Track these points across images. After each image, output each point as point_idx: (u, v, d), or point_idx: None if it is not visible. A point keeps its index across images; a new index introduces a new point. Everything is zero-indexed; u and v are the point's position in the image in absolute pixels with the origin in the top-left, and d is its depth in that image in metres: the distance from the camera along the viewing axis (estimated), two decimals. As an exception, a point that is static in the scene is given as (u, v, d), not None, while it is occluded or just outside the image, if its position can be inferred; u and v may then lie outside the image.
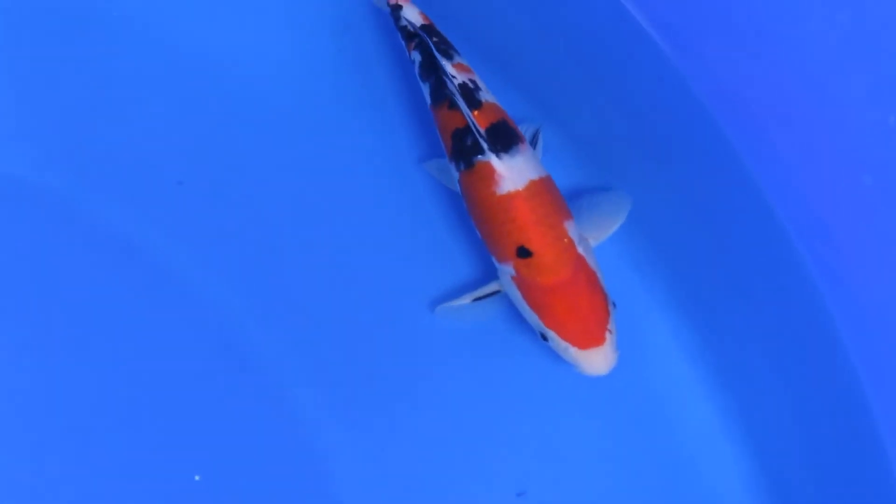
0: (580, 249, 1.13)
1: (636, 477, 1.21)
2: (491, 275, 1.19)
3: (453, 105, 1.13)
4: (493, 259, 1.16)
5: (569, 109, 1.23)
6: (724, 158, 1.15)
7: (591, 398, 1.22)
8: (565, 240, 1.12)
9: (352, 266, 1.24)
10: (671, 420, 1.23)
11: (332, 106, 1.26)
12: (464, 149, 1.13)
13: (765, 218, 1.14)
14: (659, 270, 1.24)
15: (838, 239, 1.10)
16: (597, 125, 1.23)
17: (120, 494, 1.18)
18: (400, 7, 1.17)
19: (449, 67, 1.14)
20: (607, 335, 1.13)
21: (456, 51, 1.16)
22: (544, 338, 1.14)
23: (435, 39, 1.16)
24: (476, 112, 1.13)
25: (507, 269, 1.14)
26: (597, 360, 1.13)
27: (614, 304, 1.14)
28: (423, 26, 1.17)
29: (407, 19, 1.17)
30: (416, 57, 1.17)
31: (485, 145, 1.12)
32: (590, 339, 1.12)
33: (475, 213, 1.15)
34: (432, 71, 1.15)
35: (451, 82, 1.13)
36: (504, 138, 1.13)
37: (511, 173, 1.12)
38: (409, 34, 1.17)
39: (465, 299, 1.19)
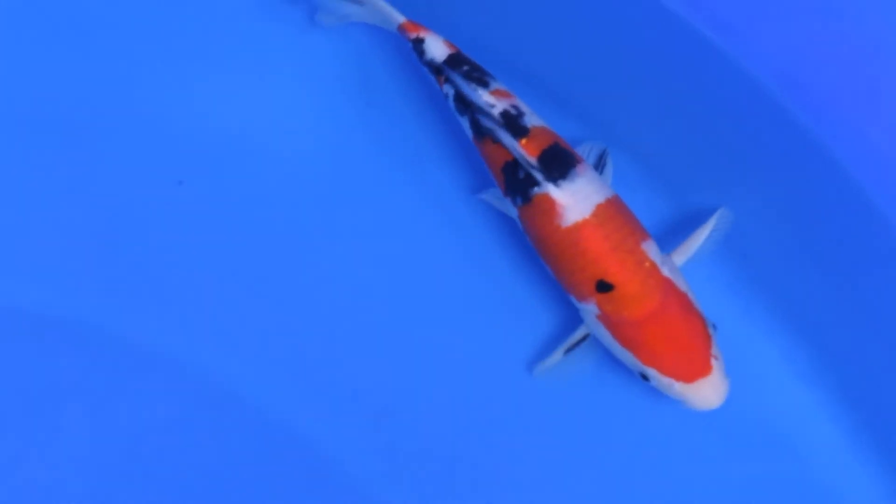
0: (665, 272, 1.00)
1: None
2: (573, 316, 1.08)
3: (498, 138, 1.01)
4: (572, 299, 1.03)
5: (631, 128, 1.11)
6: (816, 161, 1.02)
7: (703, 436, 1.10)
8: (647, 264, 1.00)
9: (421, 336, 1.13)
10: (796, 448, 1.11)
11: (370, 163, 1.15)
12: (517, 183, 1.02)
13: (869, 219, 1.01)
14: (757, 290, 1.11)
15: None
16: (666, 141, 1.11)
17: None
18: (422, 41, 1.06)
19: (485, 97, 1.02)
20: (713, 362, 1.00)
21: (492, 76, 1.04)
22: (645, 378, 1.02)
23: (465, 68, 1.04)
24: (524, 140, 1.01)
25: (589, 309, 1.01)
26: (707, 393, 1.00)
27: (715, 327, 1.01)
28: (449, 57, 1.05)
29: (431, 53, 1.06)
30: (449, 90, 1.05)
31: (539, 176, 1.00)
32: (695, 371, 1.00)
33: (543, 250, 1.03)
34: (468, 104, 1.03)
35: (489, 117, 1.01)
36: (560, 164, 1.01)
37: (574, 201, 1.00)
38: (437, 69, 1.05)
39: (557, 354, 1.07)
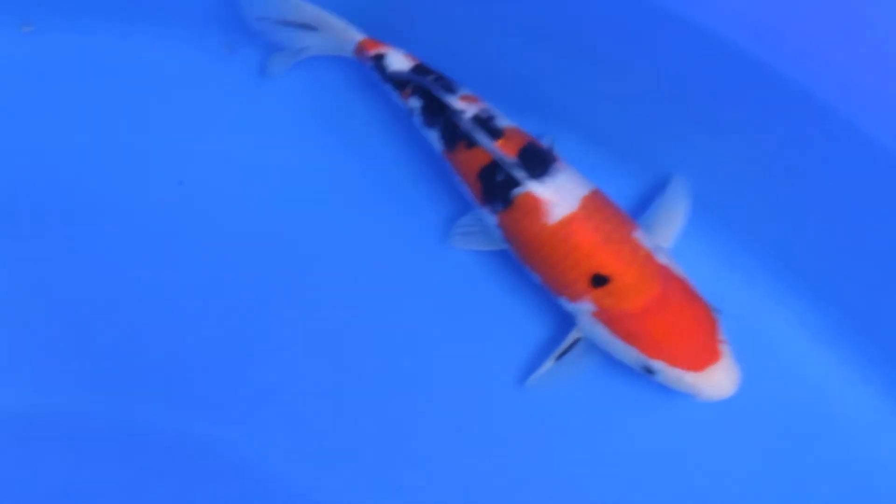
0: (661, 259, 0.97)
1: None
2: (561, 324, 1.04)
3: (472, 143, 0.98)
4: (564, 302, 0.99)
5: (585, 108, 1.07)
6: (791, 101, 0.97)
7: (725, 426, 1.05)
8: (641, 252, 0.96)
9: (406, 359, 1.08)
10: (829, 414, 1.05)
11: (344, 192, 1.11)
12: (497, 186, 0.98)
13: (860, 153, 0.96)
14: (755, 258, 1.06)
15: None
16: (619, 117, 1.06)
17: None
18: (382, 56, 1.03)
19: (456, 102, 0.99)
20: (722, 348, 0.96)
21: (457, 83, 1.01)
22: (650, 372, 0.97)
23: (431, 77, 1.01)
24: (500, 141, 0.98)
25: (584, 308, 0.97)
26: (719, 380, 0.96)
27: (719, 311, 0.97)
28: (414, 67, 1.02)
29: (394, 66, 1.02)
30: (416, 104, 1.01)
31: (520, 174, 0.96)
32: (704, 358, 0.96)
33: (529, 254, 0.99)
34: (438, 113, 1.00)
35: (461, 117, 0.98)
36: (539, 161, 0.98)
37: (559, 195, 0.96)
38: (402, 82, 1.02)
39: (549, 362, 1.03)
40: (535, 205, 0.96)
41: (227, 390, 1.07)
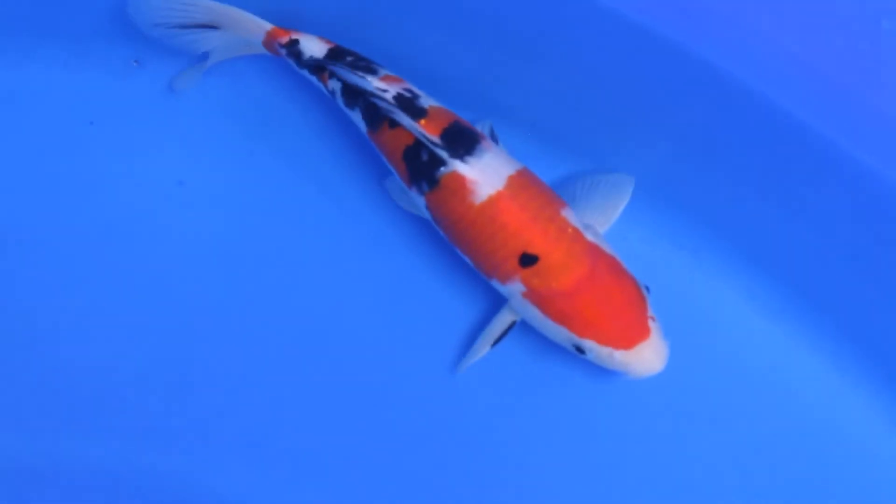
0: (590, 237, 0.96)
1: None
2: (486, 298, 1.03)
3: (395, 123, 0.96)
4: (495, 283, 0.98)
5: (518, 100, 1.06)
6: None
7: (679, 403, 1.05)
8: (569, 230, 0.95)
9: (335, 348, 1.06)
10: (782, 385, 1.05)
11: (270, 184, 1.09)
12: (422, 167, 0.96)
13: (785, 127, 0.96)
14: (699, 234, 1.06)
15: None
16: (555, 105, 1.05)
17: None
18: (296, 42, 1.00)
19: (375, 83, 0.97)
20: (651, 324, 0.95)
21: (378, 64, 1.00)
22: (580, 351, 0.96)
23: (349, 59, 0.99)
24: (423, 121, 0.96)
25: (514, 288, 0.96)
26: (648, 357, 0.96)
27: (647, 288, 0.97)
28: (329, 51, 1.00)
29: (309, 51, 1.00)
30: (336, 86, 1.00)
31: (444, 154, 0.95)
32: (634, 336, 0.95)
33: (457, 234, 0.97)
34: (359, 94, 0.98)
35: (383, 101, 0.96)
36: (463, 140, 0.96)
37: (485, 175, 0.95)
38: (318, 67, 1.00)
39: (484, 347, 1.01)
40: (460, 184, 0.95)
41: (172, 418, 1.05)
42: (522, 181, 0.96)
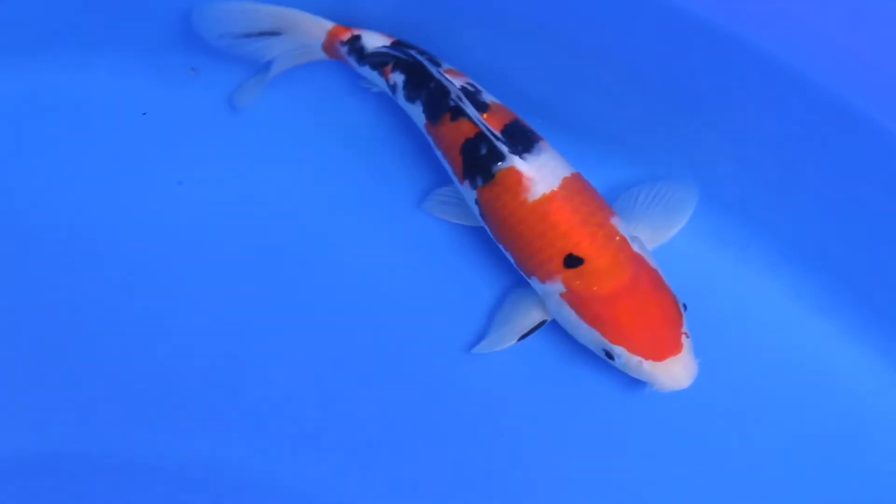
0: (636, 247, 0.98)
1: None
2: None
3: (457, 115, 0.98)
4: (534, 281, 1.00)
5: (567, 99, 1.07)
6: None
7: (725, 400, 1.05)
8: (617, 238, 0.98)
9: (373, 328, 1.08)
10: (830, 382, 1.05)
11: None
12: (479, 160, 0.98)
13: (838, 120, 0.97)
14: (750, 235, 1.07)
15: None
16: (607, 103, 1.06)
17: None
18: (358, 38, 1.03)
19: (442, 73, 0.99)
20: (684, 340, 0.97)
21: (440, 59, 1.02)
22: (610, 356, 0.98)
23: (413, 51, 1.01)
24: (485, 115, 0.99)
25: (554, 288, 0.98)
26: (677, 372, 0.97)
27: (685, 306, 0.99)
28: (393, 43, 1.02)
29: (372, 45, 1.02)
30: (398, 78, 1.02)
31: (505, 148, 0.97)
32: (665, 349, 0.97)
33: (504, 231, 0.99)
34: (421, 86, 1.00)
35: (453, 86, 0.98)
36: (523, 138, 0.99)
37: (542, 174, 0.97)
38: (382, 60, 1.02)
39: (511, 340, 1.03)
40: (516, 180, 0.97)
41: (226, 408, 1.06)
42: (577, 185, 0.98)
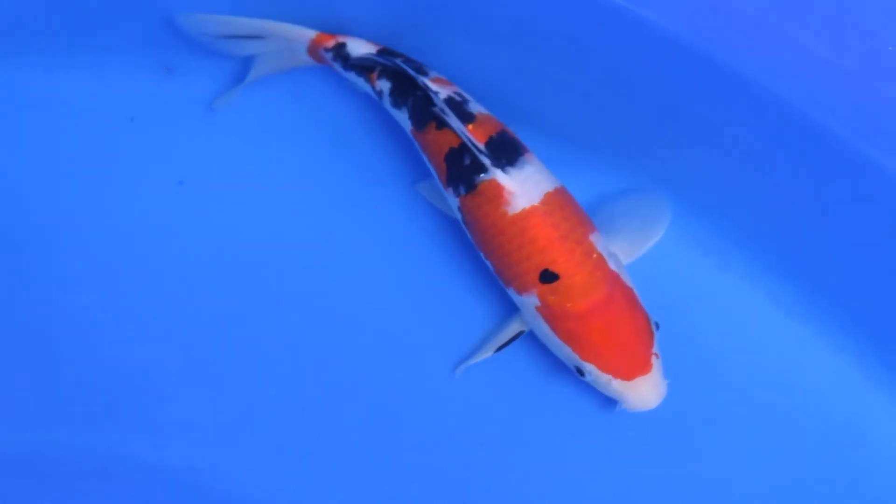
0: (612, 265, 0.99)
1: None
2: (507, 309, 1.05)
3: (442, 124, 0.99)
4: (511, 292, 1.01)
5: (547, 105, 1.08)
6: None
7: (708, 406, 1.06)
8: (594, 255, 0.98)
9: (356, 334, 1.09)
10: (808, 386, 1.06)
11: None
12: (462, 170, 0.99)
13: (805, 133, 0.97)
14: (725, 239, 1.08)
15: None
16: (583, 103, 1.07)
17: None
18: (343, 45, 1.03)
19: (428, 82, 1.00)
20: (654, 360, 0.98)
21: (428, 66, 1.02)
22: (581, 373, 0.99)
23: (400, 59, 1.01)
24: (470, 126, 0.99)
25: (529, 301, 0.99)
26: (646, 392, 0.98)
27: (657, 325, 0.99)
28: (379, 51, 1.03)
29: (357, 52, 1.03)
30: (384, 85, 1.02)
31: (487, 161, 0.97)
32: (634, 368, 0.98)
33: (484, 241, 1.00)
34: (407, 93, 1.00)
35: (436, 96, 0.99)
36: (507, 150, 0.99)
37: (523, 188, 0.98)
38: (368, 66, 1.02)
39: (487, 351, 1.04)
40: (497, 193, 0.98)
41: (207, 414, 1.06)
42: (559, 200, 0.99)
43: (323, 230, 1.09)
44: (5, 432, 1.05)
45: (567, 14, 0.99)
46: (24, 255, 1.08)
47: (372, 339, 1.08)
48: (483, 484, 1.06)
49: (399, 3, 1.03)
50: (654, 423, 1.04)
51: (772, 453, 1.05)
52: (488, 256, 1.01)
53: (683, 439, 1.06)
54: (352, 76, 1.04)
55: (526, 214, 0.97)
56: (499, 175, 0.98)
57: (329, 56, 1.03)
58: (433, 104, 0.98)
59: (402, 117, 1.02)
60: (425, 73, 1.01)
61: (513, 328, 1.03)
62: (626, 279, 1.00)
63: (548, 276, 0.97)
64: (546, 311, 0.98)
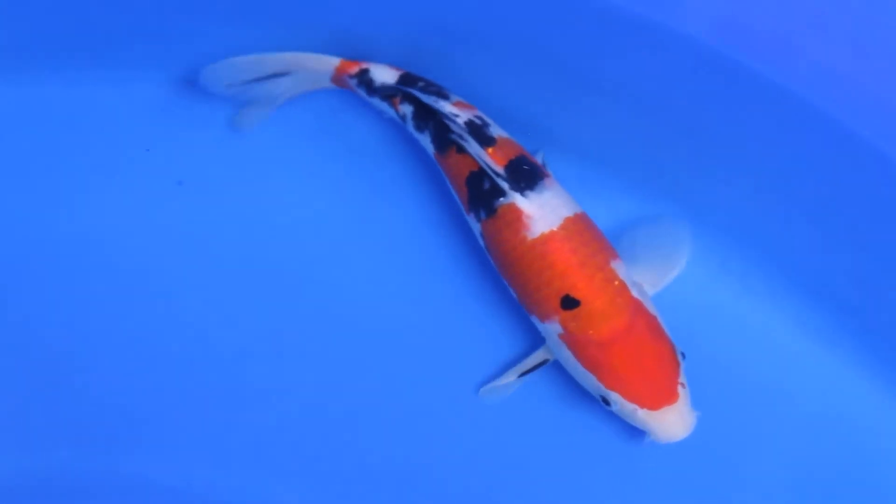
0: (635, 293, 0.96)
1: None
2: (530, 331, 1.03)
3: (462, 148, 0.97)
4: (534, 319, 0.98)
5: (572, 128, 1.06)
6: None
7: (731, 428, 1.04)
8: (616, 282, 0.96)
9: (374, 354, 1.07)
10: (831, 415, 1.04)
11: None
12: (482, 195, 0.97)
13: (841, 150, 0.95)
14: (751, 263, 1.06)
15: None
16: (611, 134, 1.05)
17: None
18: (366, 71, 1.02)
19: (448, 107, 0.98)
20: (680, 390, 0.95)
21: (450, 91, 1.01)
22: (606, 402, 0.97)
23: (421, 84, 1.00)
24: (490, 150, 0.97)
25: (552, 328, 0.96)
26: (672, 422, 0.95)
27: (683, 355, 0.96)
28: (401, 77, 1.02)
29: (380, 79, 1.02)
30: (407, 110, 1.01)
31: (505, 185, 0.96)
32: (661, 398, 0.95)
33: (506, 266, 0.98)
34: (429, 117, 0.99)
35: (454, 122, 0.97)
36: (527, 174, 0.97)
37: (542, 212, 0.96)
38: (390, 92, 1.01)
39: (511, 376, 1.02)
40: (516, 217, 0.96)
41: (225, 433, 1.06)
42: (579, 225, 0.96)
43: (337, 244, 1.08)
44: (15, 453, 1.05)
45: (588, 32, 0.97)
46: (21, 262, 1.08)
47: (394, 360, 1.06)
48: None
49: (419, 27, 1.02)
50: (676, 445, 1.00)
51: (803, 484, 1.03)
52: (511, 283, 0.99)
53: (710, 469, 1.04)
54: (376, 101, 1.03)
55: (545, 239, 0.95)
56: (517, 199, 0.96)
57: (353, 83, 1.03)
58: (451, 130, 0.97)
59: (426, 141, 1.01)
60: (446, 97, 1.00)
61: (538, 356, 1.01)
62: (651, 308, 0.97)
63: (569, 303, 0.95)
64: (569, 339, 0.96)
